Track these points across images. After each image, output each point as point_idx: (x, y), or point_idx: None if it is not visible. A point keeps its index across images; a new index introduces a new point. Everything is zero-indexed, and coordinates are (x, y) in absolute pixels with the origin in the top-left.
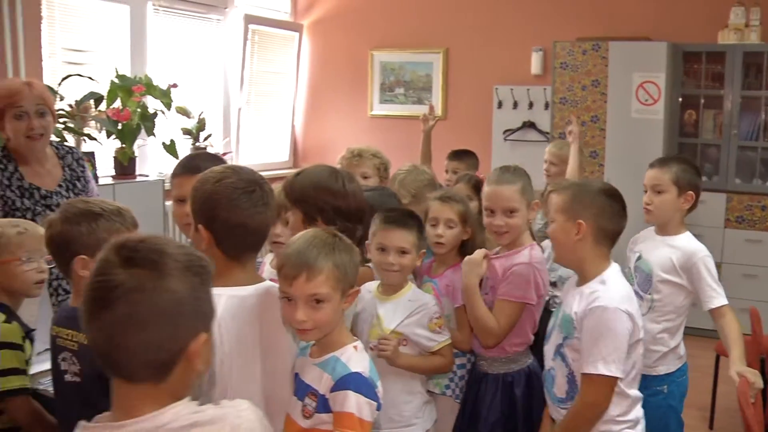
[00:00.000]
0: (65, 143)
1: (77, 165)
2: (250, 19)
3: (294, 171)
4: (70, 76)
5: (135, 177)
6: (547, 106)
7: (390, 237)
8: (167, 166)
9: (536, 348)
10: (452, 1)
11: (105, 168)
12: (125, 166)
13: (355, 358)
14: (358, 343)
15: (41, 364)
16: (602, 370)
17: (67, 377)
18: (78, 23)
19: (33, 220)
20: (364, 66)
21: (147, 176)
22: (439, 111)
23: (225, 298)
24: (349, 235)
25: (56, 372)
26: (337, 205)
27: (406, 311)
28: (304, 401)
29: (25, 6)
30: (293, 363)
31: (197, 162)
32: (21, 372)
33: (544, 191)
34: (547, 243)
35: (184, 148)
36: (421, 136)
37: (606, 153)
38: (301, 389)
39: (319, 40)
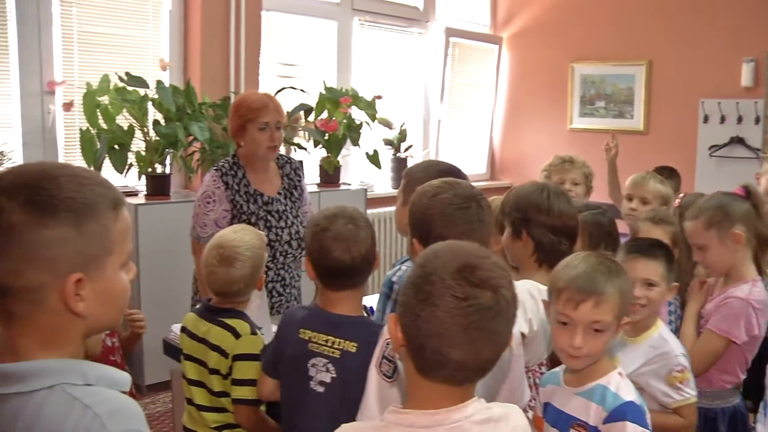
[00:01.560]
0: (282, 153)
1: (294, 174)
2: (450, 32)
3: (490, 184)
4: (284, 88)
5: (339, 185)
6: (758, 120)
7: (635, 267)
8: (369, 175)
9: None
10: (655, 11)
11: (311, 176)
12: (330, 175)
13: (624, 386)
14: (621, 369)
15: None
16: None
17: (312, 384)
18: (291, 39)
19: (256, 223)
20: (564, 79)
21: (349, 185)
22: (640, 125)
23: None
24: (553, 249)
25: (300, 376)
26: (541, 219)
27: (644, 358)
28: None
29: (247, 25)
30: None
31: (417, 172)
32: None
33: None
34: None
35: (386, 158)
36: (622, 154)
37: None
38: (563, 420)
39: (518, 53)
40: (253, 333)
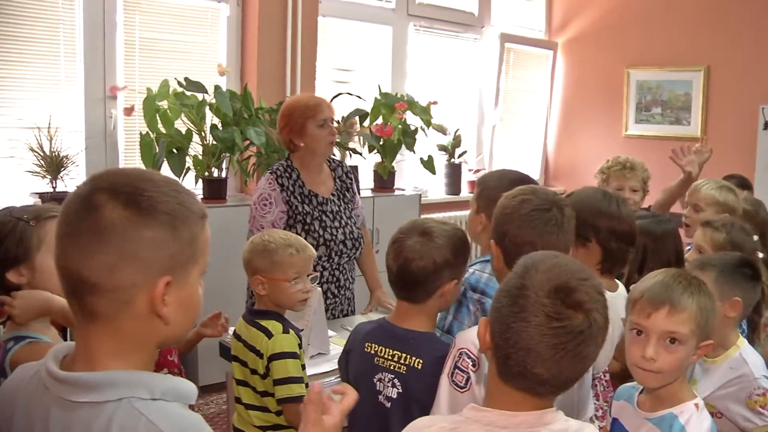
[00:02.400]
0: (334, 157)
1: (346, 177)
2: (505, 38)
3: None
4: (340, 94)
5: (393, 191)
6: None
7: None
8: (423, 180)
9: None
10: (714, 16)
11: (366, 181)
12: (384, 180)
13: (695, 420)
14: (700, 401)
15: (314, 368)
16: None
17: (381, 398)
18: (346, 44)
19: (311, 223)
20: (620, 84)
21: (403, 190)
22: (698, 132)
23: None
24: (621, 256)
25: (368, 390)
26: (611, 227)
27: (722, 380)
28: None
29: (304, 31)
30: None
31: (490, 181)
32: (299, 380)
33: None
34: None
35: (440, 164)
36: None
37: None
38: None
39: (573, 58)
40: (285, 332)
